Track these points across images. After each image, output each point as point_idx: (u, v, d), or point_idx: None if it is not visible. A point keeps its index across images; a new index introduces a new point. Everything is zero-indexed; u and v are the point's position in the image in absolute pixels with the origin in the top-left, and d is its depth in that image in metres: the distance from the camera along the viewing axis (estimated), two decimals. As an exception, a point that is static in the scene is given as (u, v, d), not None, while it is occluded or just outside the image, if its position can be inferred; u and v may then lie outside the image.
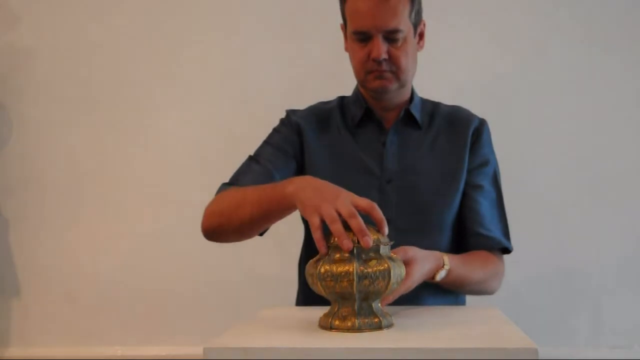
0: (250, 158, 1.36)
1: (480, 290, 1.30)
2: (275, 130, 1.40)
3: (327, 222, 0.93)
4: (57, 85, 2.16)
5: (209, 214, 1.25)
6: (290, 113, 1.41)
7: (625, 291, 2.02)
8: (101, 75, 2.15)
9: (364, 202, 0.95)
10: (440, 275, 1.14)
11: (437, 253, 1.15)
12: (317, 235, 0.93)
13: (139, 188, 2.13)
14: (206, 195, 1.30)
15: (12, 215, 2.16)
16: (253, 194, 1.16)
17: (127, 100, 2.14)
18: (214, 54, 2.14)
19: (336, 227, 0.91)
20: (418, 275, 1.08)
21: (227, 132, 2.10)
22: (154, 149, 2.14)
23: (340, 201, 0.94)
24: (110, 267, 2.12)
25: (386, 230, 0.95)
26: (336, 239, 0.91)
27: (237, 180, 1.31)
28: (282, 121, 1.41)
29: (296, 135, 1.37)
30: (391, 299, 1.03)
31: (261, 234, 1.27)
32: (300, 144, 1.36)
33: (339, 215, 0.93)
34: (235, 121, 2.10)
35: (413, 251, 1.08)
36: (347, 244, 0.90)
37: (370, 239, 0.90)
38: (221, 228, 1.23)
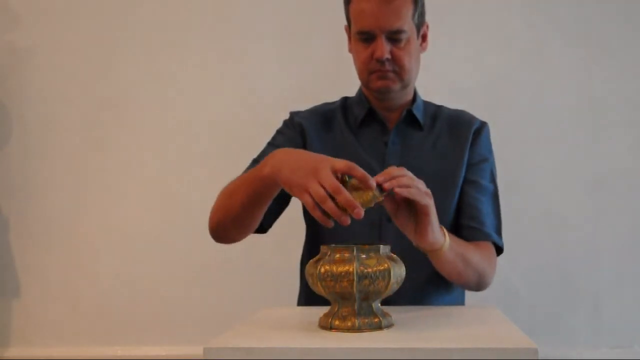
0: (254, 161, 1.36)
1: (477, 272, 1.24)
2: (278, 132, 1.41)
3: (318, 202, 0.93)
4: (57, 85, 2.16)
5: (211, 213, 1.26)
6: (293, 114, 1.42)
7: (625, 291, 2.02)
8: (101, 75, 2.15)
9: (342, 164, 0.96)
10: (446, 241, 1.11)
11: None
12: (316, 214, 0.94)
13: (140, 188, 2.13)
14: (208, 196, 1.30)
15: (12, 215, 2.15)
16: (240, 182, 1.18)
17: (128, 100, 2.14)
18: (217, 55, 2.13)
19: (329, 206, 0.93)
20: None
21: (230, 134, 2.09)
22: (155, 149, 2.13)
23: (322, 174, 0.94)
24: (110, 268, 2.12)
25: (373, 184, 0.95)
26: (332, 216, 0.93)
27: None
28: (285, 123, 1.42)
29: (299, 135, 1.37)
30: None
31: (264, 232, 1.27)
32: (303, 145, 1.37)
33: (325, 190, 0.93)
34: (239, 123, 2.09)
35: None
36: (344, 220, 0.92)
37: (361, 210, 0.92)
38: (221, 224, 1.24)
